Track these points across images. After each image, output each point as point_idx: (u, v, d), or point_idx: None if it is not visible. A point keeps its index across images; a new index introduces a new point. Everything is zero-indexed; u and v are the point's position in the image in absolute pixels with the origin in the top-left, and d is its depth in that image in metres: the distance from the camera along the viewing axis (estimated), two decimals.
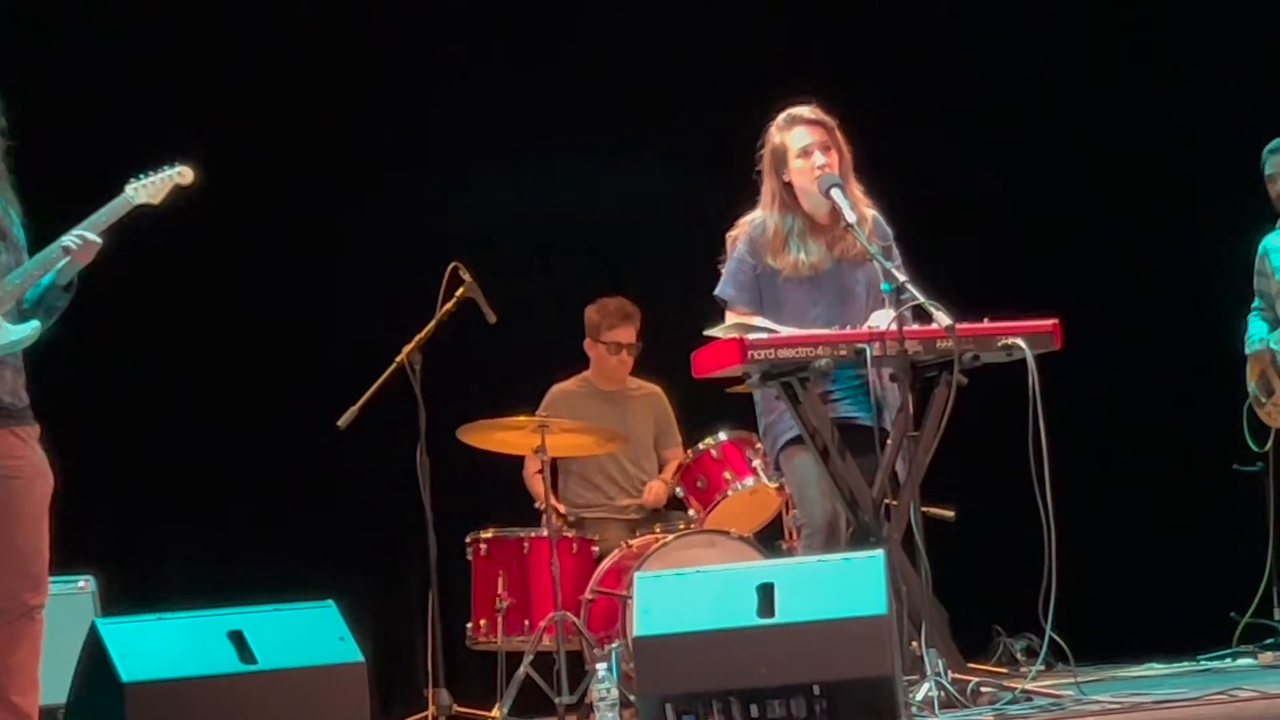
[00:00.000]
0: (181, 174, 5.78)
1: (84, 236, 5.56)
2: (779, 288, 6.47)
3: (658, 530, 7.84)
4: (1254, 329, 7.89)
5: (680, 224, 8.75)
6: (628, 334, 8.35)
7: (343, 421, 7.50)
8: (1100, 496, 9.08)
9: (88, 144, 8.12)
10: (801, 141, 6.49)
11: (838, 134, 6.52)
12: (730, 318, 6.48)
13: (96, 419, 8.36)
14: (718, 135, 7.68)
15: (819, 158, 6.46)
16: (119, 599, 7.44)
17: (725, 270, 6.57)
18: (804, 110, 6.55)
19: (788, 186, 6.51)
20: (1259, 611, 8.18)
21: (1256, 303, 7.92)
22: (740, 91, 7.57)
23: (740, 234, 6.57)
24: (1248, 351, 7.89)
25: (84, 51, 8.60)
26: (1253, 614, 8.15)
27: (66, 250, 5.54)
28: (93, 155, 7.60)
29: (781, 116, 6.57)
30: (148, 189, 5.73)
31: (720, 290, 6.56)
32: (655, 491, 8.28)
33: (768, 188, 6.56)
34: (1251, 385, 7.90)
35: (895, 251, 6.50)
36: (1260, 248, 7.86)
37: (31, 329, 5.54)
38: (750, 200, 6.63)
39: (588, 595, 7.67)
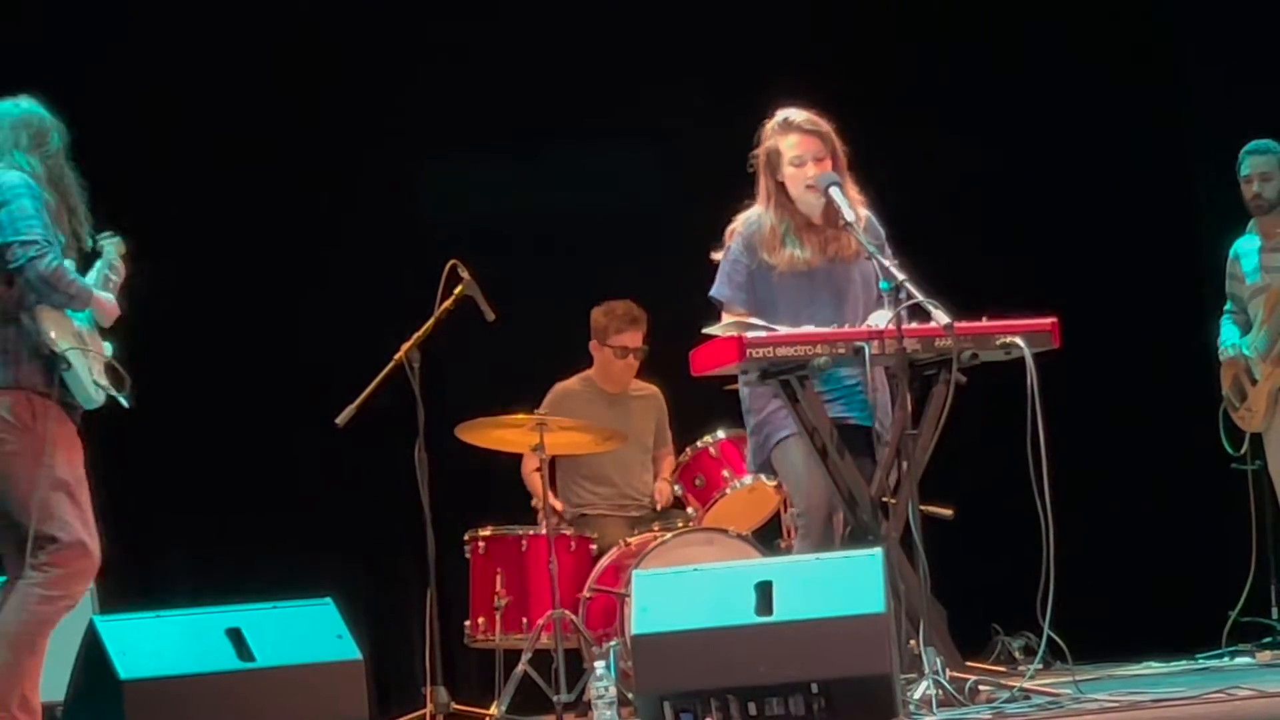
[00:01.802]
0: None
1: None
2: (774, 284, 6.46)
3: (656, 528, 7.84)
4: (1226, 334, 7.93)
5: (679, 221, 8.75)
6: (634, 338, 8.33)
7: (341, 419, 7.50)
8: (1099, 495, 9.08)
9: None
10: (794, 150, 6.47)
11: (833, 139, 6.50)
12: (727, 318, 6.47)
13: (93, 415, 8.35)
14: (718, 132, 7.67)
15: (812, 170, 6.46)
16: (117, 596, 7.43)
17: (720, 270, 6.56)
18: (799, 118, 6.51)
19: (781, 186, 6.51)
20: (1258, 611, 8.19)
21: (1228, 306, 7.96)
22: (741, 89, 7.57)
23: (737, 229, 6.56)
24: (1221, 359, 7.93)
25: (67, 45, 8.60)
26: (1250, 614, 8.16)
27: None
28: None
29: (777, 119, 6.53)
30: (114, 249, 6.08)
31: (716, 291, 6.55)
32: (664, 493, 8.29)
33: (763, 185, 6.56)
34: (1225, 390, 7.94)
35: (888, 251, 6.49)
36: (1232, 251, 7.92)
37: (110, 349, 5.97)
38: (749, 197, 6.62)
39: (586, 593, 7.68)
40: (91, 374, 5.78)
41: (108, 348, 5.99)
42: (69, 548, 5.66)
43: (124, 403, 5.91)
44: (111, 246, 6.03)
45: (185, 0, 8.83)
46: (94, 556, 5.74)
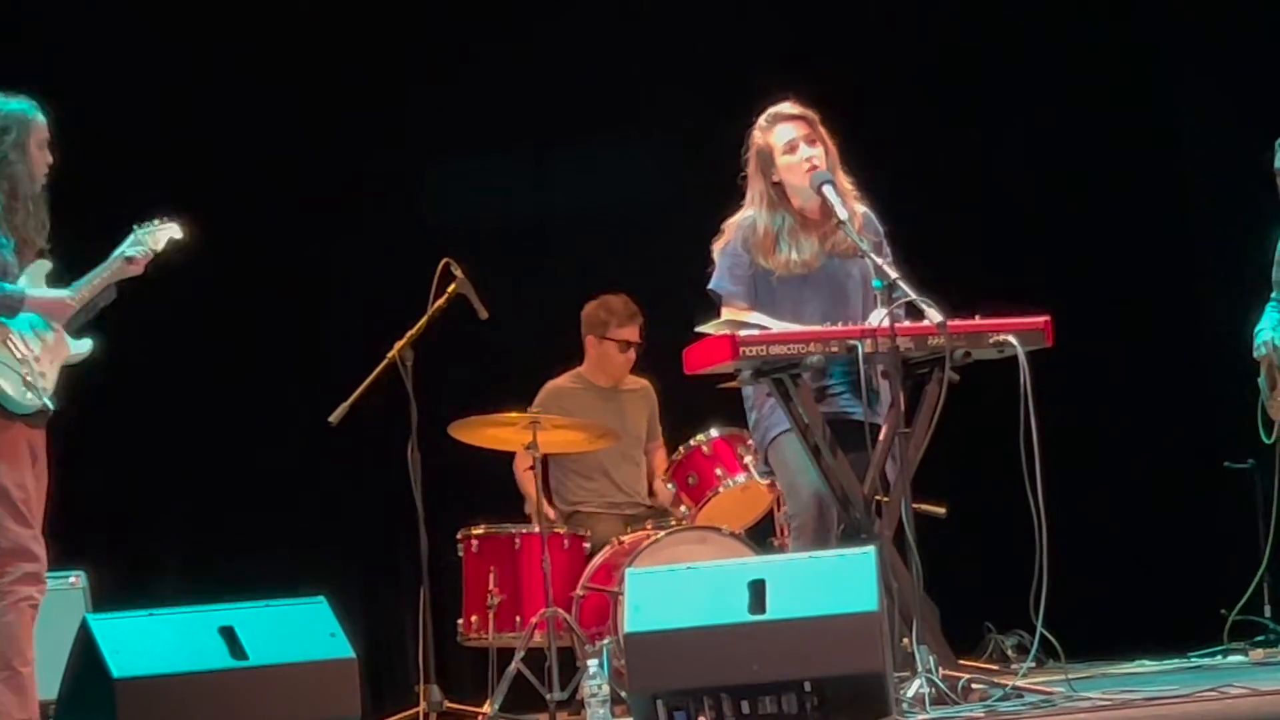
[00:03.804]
0: (172, 229, 6.20)
1: (144, 249, 6.04)
2: (773, 287, 6.44)
3: (649, 527, 7.84)
4: (1264, 322, 7.89)
5: (671, 220, 8.75)
6: (634, 332, 8.34)
7: (334, 417, 7.50)
8: (1092, 493, 9.08)
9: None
10: (786, 137, 6.47)
11: (821, 127, 6.50)
12: (726, 312, 6.45)
13: (88, 415, 8.34)
14: (709, 128, 7.68)
15: (805, 150, 6.44)
16: (110, 595, 7.44)
17: (719, 265, 6.52)
18: (785, 106, 6.53)
19: (777, 186, 6.49)
20: (1250, 608, 8.19)
21: (1275, 294, 7.93)
22: (733, 85, 7.57)
23: (730, 235, 6.53)
24: (1255, 356, 7.90)
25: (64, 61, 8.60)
26: (1243, 612, 8.16)
27: (130, 260, 6.03)
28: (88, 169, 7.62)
29: (763, 117, 6.53)
30: (150, 236, 6.13)
31: (716, 284, 6.50)
32: (663, 494, 8.27)
33: (755, 189, 6.52)
34: (1261, 378, 7.92)
35: (886, 248, 6.48)
36: None
37: (88, 346, 6.05)
38: (740, 195, 6.61)
39: (579, 591, 7.67)
40: (24, 378, 5.76)
41: (85, 344, 6.05)
42: (8, 554, 5.75)
43: (49, 405, 5.91)
44: (147, 235, 6.12)
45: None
46: (40, 559, 5.83)
